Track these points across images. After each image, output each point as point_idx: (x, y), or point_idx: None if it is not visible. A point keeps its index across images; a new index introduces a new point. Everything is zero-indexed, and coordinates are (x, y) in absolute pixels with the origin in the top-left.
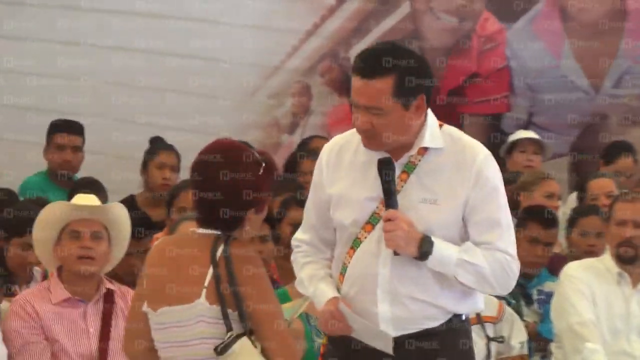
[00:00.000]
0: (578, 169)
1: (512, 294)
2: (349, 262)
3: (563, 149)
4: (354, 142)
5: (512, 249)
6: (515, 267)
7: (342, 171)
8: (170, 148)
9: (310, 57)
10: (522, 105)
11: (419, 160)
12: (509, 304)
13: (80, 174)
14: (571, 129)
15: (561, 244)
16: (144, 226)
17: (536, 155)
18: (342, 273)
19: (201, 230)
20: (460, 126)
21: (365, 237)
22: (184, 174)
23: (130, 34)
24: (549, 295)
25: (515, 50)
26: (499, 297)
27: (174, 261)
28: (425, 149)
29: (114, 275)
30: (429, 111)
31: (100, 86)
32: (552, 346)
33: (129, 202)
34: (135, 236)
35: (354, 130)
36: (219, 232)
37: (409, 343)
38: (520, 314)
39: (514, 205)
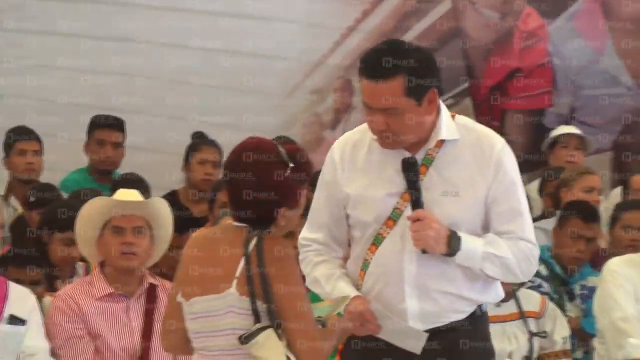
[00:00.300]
0: (620, 165)
1: (554, 289)
2: (371, 259)
3: (605, 145)
4: (367, 139)
5: (533, 235)
6: (536, 254)
7: (358, 169)
8: (212, 143)
9: (352, 53)
10: (564, 101)
11: (436, 153)
12: (551, 299)
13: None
14: (613, 125)
15: (604, 238)
16: (186, 222)
17: (578, 151)
18: (364, 269)
19: (237, 224)
20: (501, 122)
21: (388, 233)
22: None
23: (182, 32)
24: (592, 290)
25: (557, 46)
26: (541, 292)
27: (208, 252)
28: (442, 141)
29: (157, 271)
30: (441, 103)
31: (150, 84)
32: (595, 341)
33: (171, 198)
34: (178, 232)
35: (365, 126)
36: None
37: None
38: (563, 309)
39: (555, 201)
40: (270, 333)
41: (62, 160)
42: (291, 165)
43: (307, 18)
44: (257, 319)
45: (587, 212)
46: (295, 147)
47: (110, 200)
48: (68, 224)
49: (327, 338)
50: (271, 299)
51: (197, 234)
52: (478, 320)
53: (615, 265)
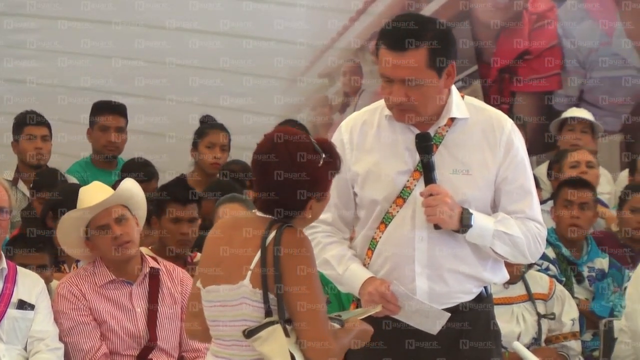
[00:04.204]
0: (629, 147)
1: (562, 271)
2: (380, 238)
3: (614, 127)
4: (375, 119)
5: (541, 216)
6: (544, 235)
7: (367, 148)
8: (220, 127)
9: (361, 36)
10: (574, 83)
11: (446, 132)
12: (559, 281)
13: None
14: (623, 107)
15: (613, 220)
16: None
17: (585, 134)
18: (372, 249)
19: (260, 214)
20: (511, 104)
21: (397, 212)
22: (234, 154)
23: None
24: (600, 272)
25: (566, 28)
26: (549, 275)
27: (228, 241)
28: (452, 119)
29: (168, 252)
30: None
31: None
32: (622, 322)
33: (180, 182)
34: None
35: (372, 106)
36: (277, 218)
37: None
38: (571, 291)
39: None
40: (275, 329)
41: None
42: (324, 156)
43: (316, 1)
44: (268, 312)
45: (575, 180)
46: (325, 140)
47: (79, 212)
48: (72, 207)
49: (340, 337)
50: (283, 296)
51: (221, 221)
52: (484, 302)
53: None
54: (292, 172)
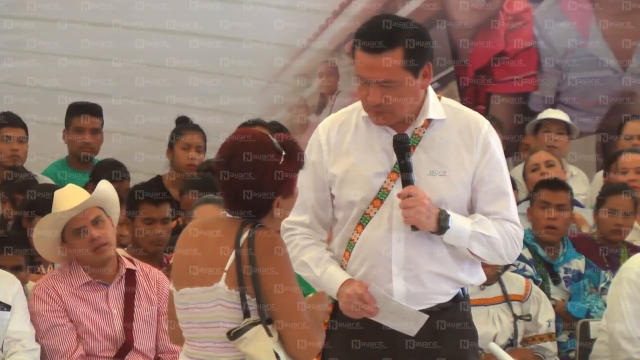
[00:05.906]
0: (605, 148)
1: (538, 272)
2: (357, 239)
3: (590, 128)
4: (352, 120)
5: (517, 217)
6: (521, 236)
7: (344, 149)
8: (196, 128)
9: (338, 37)
10: (550, 85)
11: (423, 133)
12: (535, 282)
13: (105, 155)
14: (599, 108)
15: (586, 223)
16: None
17: (561, 135)
18: (349, 250)
19: (230, 216)
20: (487, 105)
21: (375, 213)
22: (210, 154)
23: (157, 15)
24: (576, 273)
25: (542, 29)
26: (525, 276)
27: (200, 243)
28: (429, 120)
29: (142, 252)
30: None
31: (127, 68)
32: (603, 322)
33: (156, 183)
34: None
35: (350, 107)
36: (247, 218)
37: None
38: (547, 292)
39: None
40: (259, 329)
41: None
42: (284, 154)
43: (292, 2)
44: (246, 313)
45: (552, 182)
46: (287, 136)
47: (55, 216)
48: (48, 207)
49: (322, 333)
50: (263, 298)
51: (191, 224)
52: (461, 303)
53: (636, 273)
54: (254, 174)
